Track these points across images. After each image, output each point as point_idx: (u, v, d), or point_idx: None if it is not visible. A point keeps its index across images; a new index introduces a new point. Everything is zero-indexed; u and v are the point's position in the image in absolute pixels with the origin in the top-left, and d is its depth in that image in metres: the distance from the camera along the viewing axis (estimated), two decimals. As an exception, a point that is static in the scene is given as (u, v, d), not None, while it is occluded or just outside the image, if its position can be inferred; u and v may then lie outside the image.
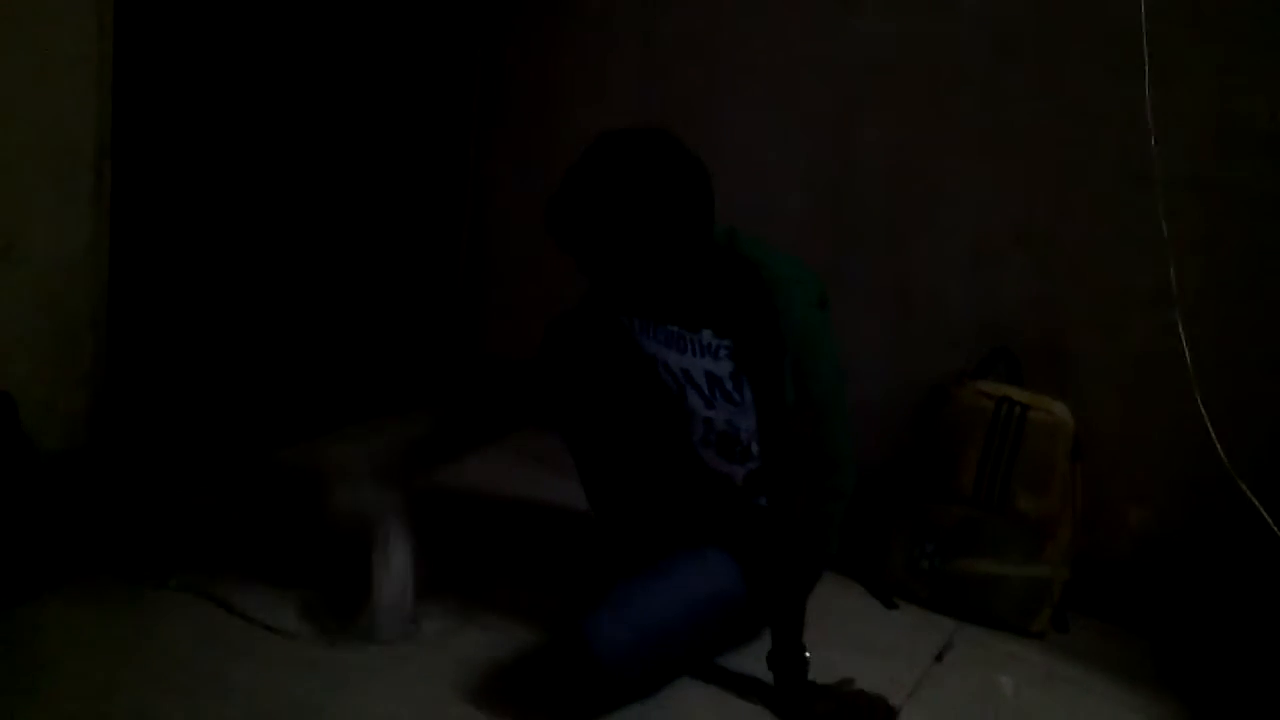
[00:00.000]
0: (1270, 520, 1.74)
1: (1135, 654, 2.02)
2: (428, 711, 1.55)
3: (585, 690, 1.58)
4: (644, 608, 1.63)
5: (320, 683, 1.57)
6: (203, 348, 2.22)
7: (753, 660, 1.72)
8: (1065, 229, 2.11)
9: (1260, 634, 1.84)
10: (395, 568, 1.70)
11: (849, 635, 1.89)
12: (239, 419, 2.29)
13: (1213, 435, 1.79)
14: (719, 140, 2.43)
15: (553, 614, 1.81)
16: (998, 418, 2.01)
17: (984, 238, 2.18)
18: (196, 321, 2.20)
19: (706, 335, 1.68)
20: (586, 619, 1.59)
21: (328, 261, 2.47)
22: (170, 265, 2.12)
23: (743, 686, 1.71)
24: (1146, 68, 1.84)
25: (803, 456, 1.65)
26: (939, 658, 1.91)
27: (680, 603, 1.67)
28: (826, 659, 1.70)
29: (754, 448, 1.76)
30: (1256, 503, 1.75)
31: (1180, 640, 2.02)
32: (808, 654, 1.67)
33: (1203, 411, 1.81)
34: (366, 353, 2.62)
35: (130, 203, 1.98)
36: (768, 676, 1.69)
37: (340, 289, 2.53)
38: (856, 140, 2.29)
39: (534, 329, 1.70)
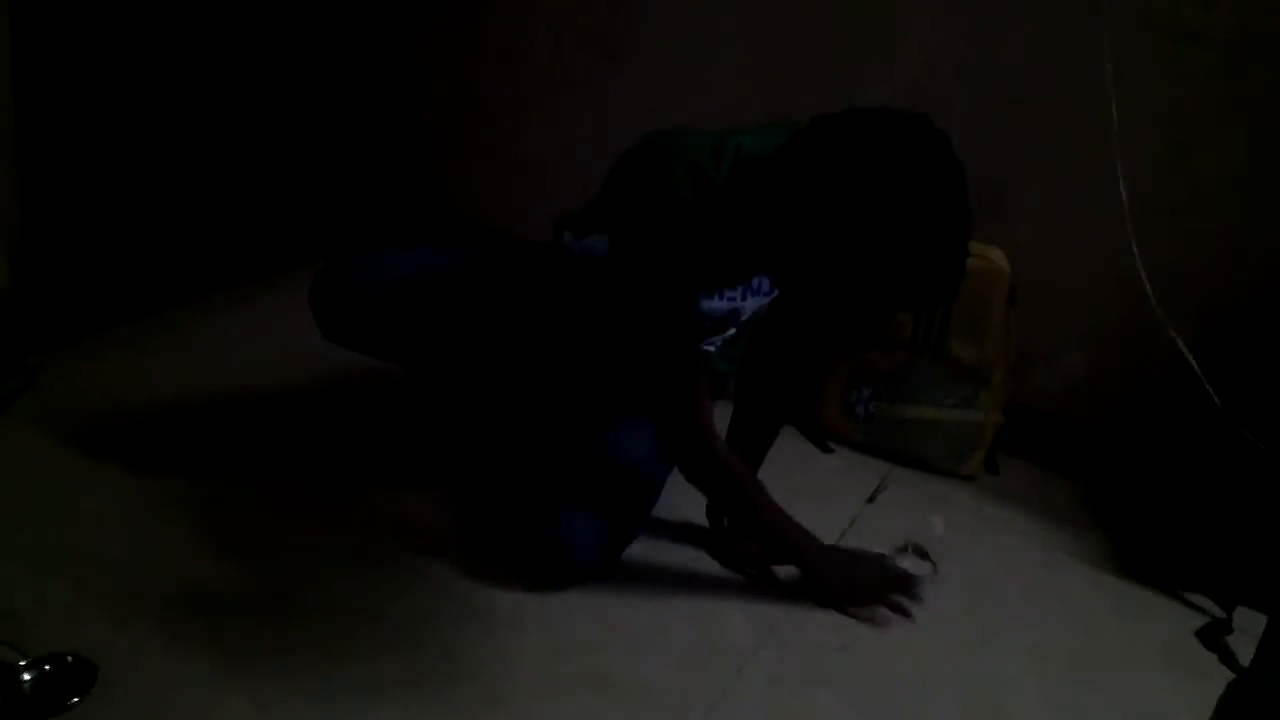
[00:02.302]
0: (1195, 365, 1.77)
1: (1064, 496, 2.07)
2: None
3: (558, 579, 1.57)
4: (607, 499, 1.59)
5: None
6: (124, 184, 2.13)
7: (691, 508, 1.74)
8: (1009, 68, 2.06)
9: (1186, 475, 1.89)
10: None
11: (784, 479, 1.89)
12: (164, 256, 2.23)
13: (1145, 281, 1.81)
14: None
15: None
16: (936, 264, 2.01)
17: (928, 75, 2.13)
18: (116, 156, 2.10)
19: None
20: (555, 522, 1.55)
21: (250, 91, 2.36)
22: (87, 95, 2.01)
23: (681, 534, 1.74)
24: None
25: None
26: (871, 499, 1.95)
27: (636, 481, 1.65)
28: (761, 502, 1.72)
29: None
30: (1184, 348, 1.78)
31: (1109, 483, 2.08)
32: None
33: (1137, 258, 1.82)
34: (294, 192, 2.54)
35: (39, 24, 1.86)
36: (704, 522, 1.73)
37: (264, 123, 2.43)
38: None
39: (476, 173, 1.61)
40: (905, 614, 1.58)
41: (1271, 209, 1.90)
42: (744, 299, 1.62)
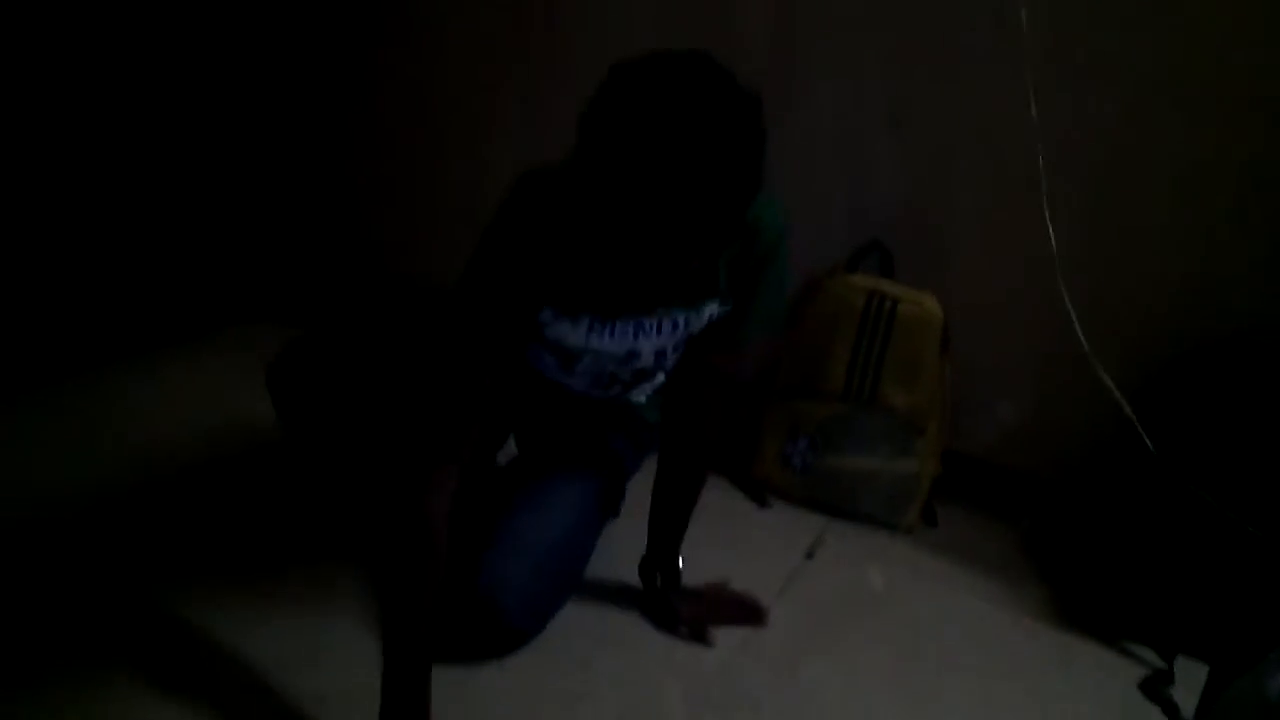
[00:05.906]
0: (1128, 408, 1.76)
1: (1003, 546, 2.04)
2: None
3: (490, 641, 1.51)
4: (540, 557, 1.54)
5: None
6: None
7: (623, 567, 1.68)
8: (936, 111, 2.05)
9: (1123, 522, 1.87)
10: None
11: (720, 535, 1.87)
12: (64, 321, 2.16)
13: (1077, 326, 1.80)
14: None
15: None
16: (868, 312, 1.99)
17: (855, 121, 2.11)
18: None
19: (711, 307, 1.47)
20: (487, 574, 1.49)
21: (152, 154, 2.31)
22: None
23: (613, 595, 1.69)
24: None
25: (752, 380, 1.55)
26: (809, 555, 1.90)
27: (569, 540, 1.61)
28: (698, 560, 1.67)
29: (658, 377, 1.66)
30: (1117, 394, 1.77)
31: (1047, 532, 2.05)
32: (681, 561, 1.64)
33: (1066, 300, 1.81)
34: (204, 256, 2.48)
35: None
36: (637, 582, 1.67)
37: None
38: (730, 9, 2.18)
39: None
40: None
41: (1199, 250, 1.90)
42: (636, 339, 1.51)
